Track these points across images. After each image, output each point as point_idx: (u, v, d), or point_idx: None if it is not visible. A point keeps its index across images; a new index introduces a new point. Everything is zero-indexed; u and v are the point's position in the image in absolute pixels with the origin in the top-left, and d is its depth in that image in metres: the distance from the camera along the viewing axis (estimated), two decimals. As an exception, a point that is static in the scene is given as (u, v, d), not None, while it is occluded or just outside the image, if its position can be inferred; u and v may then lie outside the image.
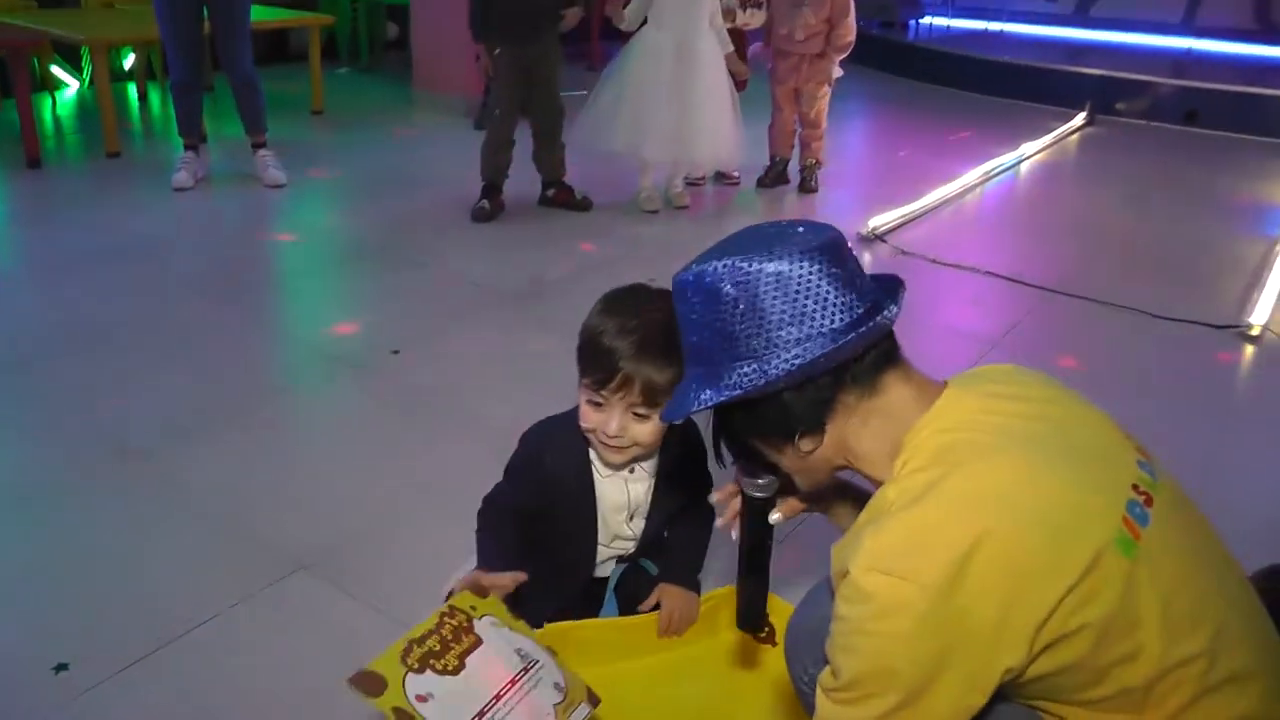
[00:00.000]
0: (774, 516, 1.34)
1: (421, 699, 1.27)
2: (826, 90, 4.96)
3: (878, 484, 1.16)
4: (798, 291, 1.09)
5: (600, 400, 1.55)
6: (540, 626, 1.56)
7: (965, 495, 1.04)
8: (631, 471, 1.69)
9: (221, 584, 2.07)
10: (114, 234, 4.06)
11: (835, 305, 1.10)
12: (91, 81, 6.09)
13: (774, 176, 5.21)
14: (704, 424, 1.26)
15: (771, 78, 5.05)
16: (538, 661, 1.40)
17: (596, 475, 1.68)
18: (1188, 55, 8.94)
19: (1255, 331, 3.53)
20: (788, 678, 1.43)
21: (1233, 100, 7.16)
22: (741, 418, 1.19)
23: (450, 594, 1.48)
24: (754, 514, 1.32)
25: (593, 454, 1.67)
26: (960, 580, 1.00)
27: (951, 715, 1.04)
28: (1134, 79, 7.54)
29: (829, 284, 1.10)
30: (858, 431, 1.16)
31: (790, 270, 1.09)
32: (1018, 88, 7.95)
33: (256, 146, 4.83)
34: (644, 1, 4.42)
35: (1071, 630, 1.02)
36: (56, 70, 6.33)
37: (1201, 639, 1.06)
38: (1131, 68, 7.78)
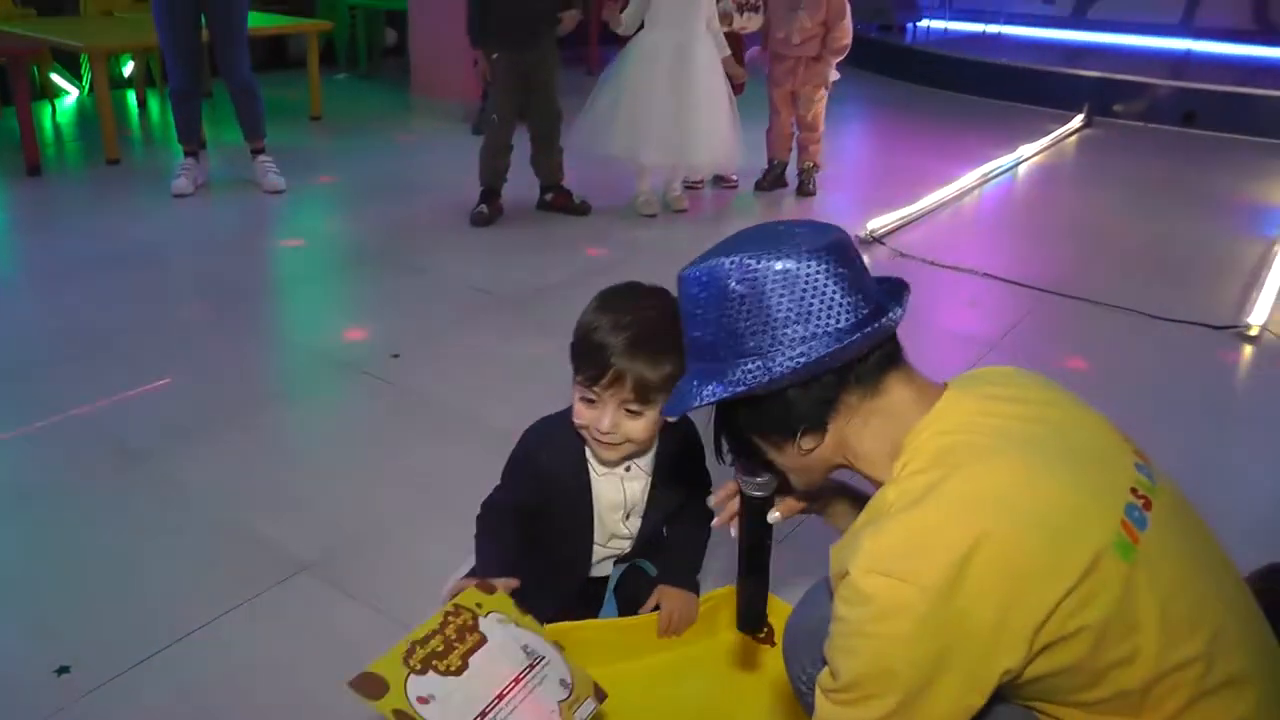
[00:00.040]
0: (772, 516, 1.34)
1: (423, 700, 1.27)
2: (823, 93, 4.97)
3: (877, 484, 1.17)
4: (804, 290, 1.09)
5: (593, 397, 1.56)
6: (539, 628, 1.56)
7: (964, 498, 1.05)
8: (628, 470, 1.69)
9: (223, 586, 2.08)
10: (114, 241, 4.07)
11: (841, 305, 1.10)
12: (91, 89, 6.11)
13: (772, 180, 5.22)
14: (704, 421, 1.26)
15: (769, 81, 5.06)
16: (543, 658, 1.40)
17: (593, 473, 1.69)
18: (1186, 57, 8.95)
19: (1254, 332, 3.53)
20: (785, 674, 1.43)
21: (1230, 101, 7.16)
22: (744, 414, 1.19)
23: (455, 595, 1.48)
24: (753, 514, 1.33)
25: (589, 452, 1.67)
26: (960, 582, 1.00)
27: (950, 716, 1.04)
28: (1132, 81, 7.55)
29: (835, 284, 1.10)
30: (859, 431, 1.16)
31: (797, 269, 1.09)
32: (1016, 90, 7.95)
33: (256, 152, 4.85)
34: (641, 6, 4.43)
35: (1069, 633, 1.03)
36: (56, 78, 6.35)
37: (1198, 643, 1.06)
38: (1129, 69, 7.78)
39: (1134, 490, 1.10)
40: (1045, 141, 6.49)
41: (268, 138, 4.87)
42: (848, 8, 4.79)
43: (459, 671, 1.32)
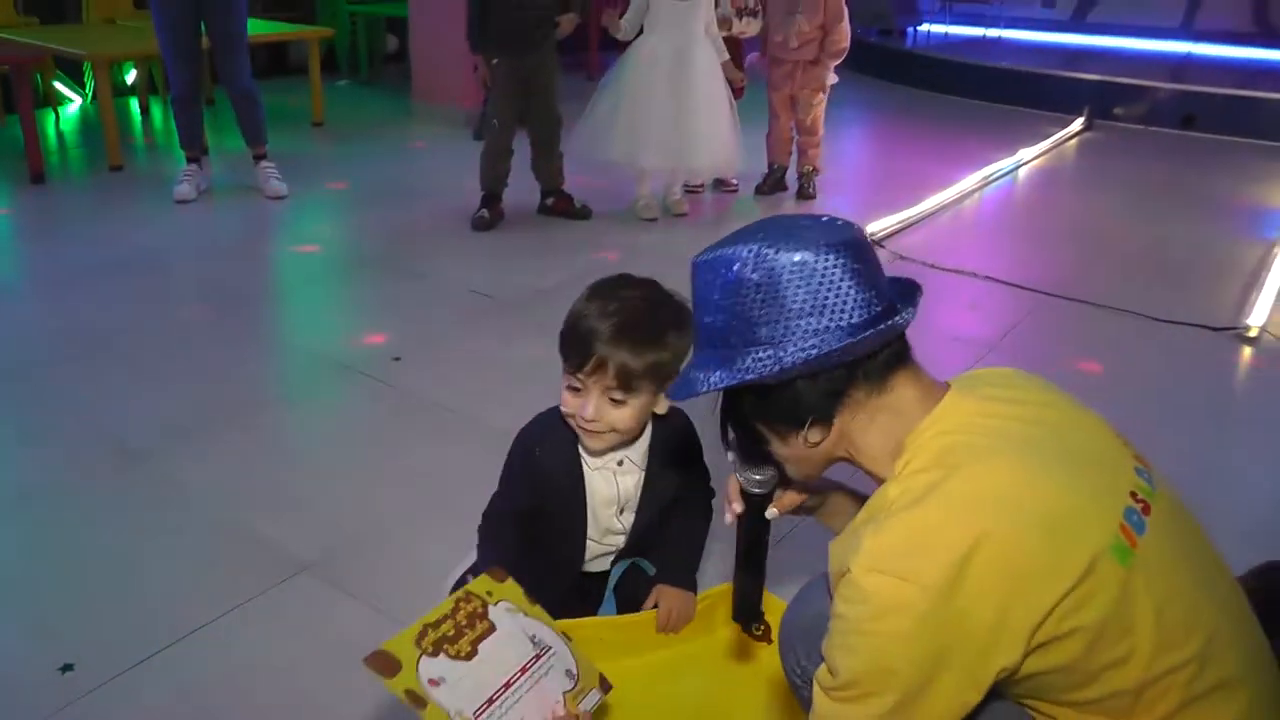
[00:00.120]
0: (770, 512, 1.35)
1: (434, 683, 1.29)
2: (822, 97, 4.98)
3: (878, 480, 1.17)
4: (820, 284, 1.10)
5: (578, 385, 1.57)
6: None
7: (965, 498, 1.05)
8: (620, 465, 1.70)
9: (223, 586, 2.09)
10: (117, 246, 4.09)
11: (855, 301, 1.11)
12: (94, 96, 6.13)
13: (772, 184, 5.23)
14: (710, 407, 1.25)
15: (768, 85, 5.07)
16: (550, 648, 1.42)
17: (586, 468, 1.70)
18: (1186, 59, 8.95)
19: (1253, 333, 3.53)
20: (782, 672, 1.44)
21: (1230, 104, 7.16)
22: (751, 402, 1.20)
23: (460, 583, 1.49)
24: (751, 510, 1.34)
25: (582, 448, 1.68)
26: (960, 581, 1.01)
27: (948, 712, 1.05)
28: (1132, 84, 7.55)
29: (850, 279, 1.11)
30: (864, 427, 1.17)
31: (814, 262, 1.10)
32: (1016, 93, 7.96)
33: (257, 158, 4.87)
34: (640, 11, 4.45)
35: (1064, 633, 1.03)
36: (59, 86, 6.38)
37: (1192, 647, 1.07)
38: (1129, 73, 7.79)
39: (1133, 494, 1.11)
40: (1045, 145, 6.49)
41: (270, 144, 4.90)
42: (845, 11, 4.80)
43: (469, 657, 1.34)
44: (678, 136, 4.51)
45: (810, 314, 1.10)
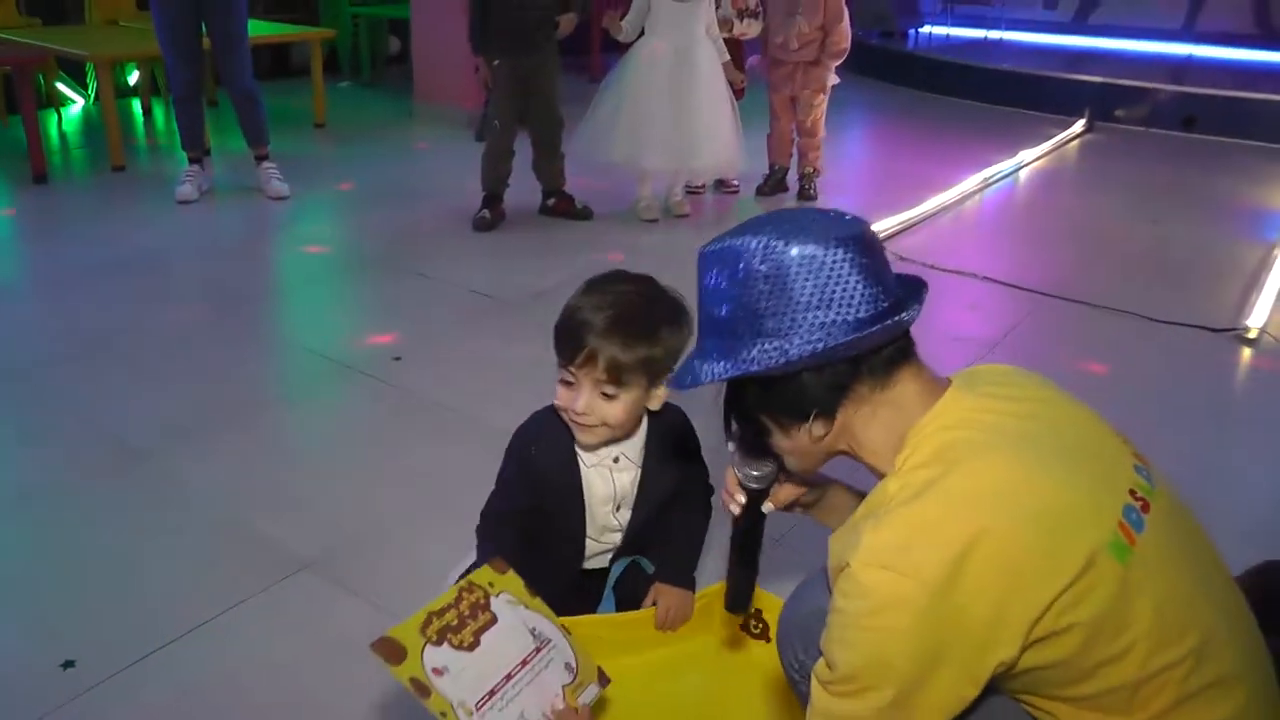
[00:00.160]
0: (765, 507, 1.36)
1: (438, 672, 1.30)
2: (823, 98, 4.98)
3: (878, 474, 1.18)
4: (828, 277, 1.10)
5: (570, 378, 1.58)
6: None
7: (964, 494, 1.06)
8: (616, 461, 1.71)
9: (224, 584, 2.10)
10: (119, 246, 4.10)
11: (862, 296, 1.11)
12: (96, 97, 6.14)
13: (773, 185, 5.23)
14: (713, 395, 1.25)
15: (769, 87, 5.08)
16: (550, 641, 1.43)
17: (582, 466, 1.70)
18: (1188, 61, 8.95)
19: (1253, 334, 3.53)
20: (782, 672, 1.45)
21: (1231, 105, 7.16)
22: (756, 394, 1.20)
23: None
24: (747, 504, 1.35)
25: (579, 446, 1.69)
26: (958, 577, 1.01)
27: (945, 707, 1.05)
28: (1133, 85, 7.55)
29: (857, 274, 1.11)
30: (866, 422, 1.17)
31: (823, 255, 1.10)
32: (1017, 95, 7.96)
33: (259, 159, 4.88)
34: (641, 13, 4.45)
35: (1061, 628, 1.04)
36: (61, 86, 6.39)
37: (1188, 644, 1.07)
38: (1130, 74, 7.79)
39: (1133, 492, 1.11)
40: (1046, 146, 6.50)
41: (272, 145, 4.90)
42: (845, 11, 4.81)
43: (471, 648, 1.35)
44: (679, 137, 4.52)
45: (817, 307, 1.10)
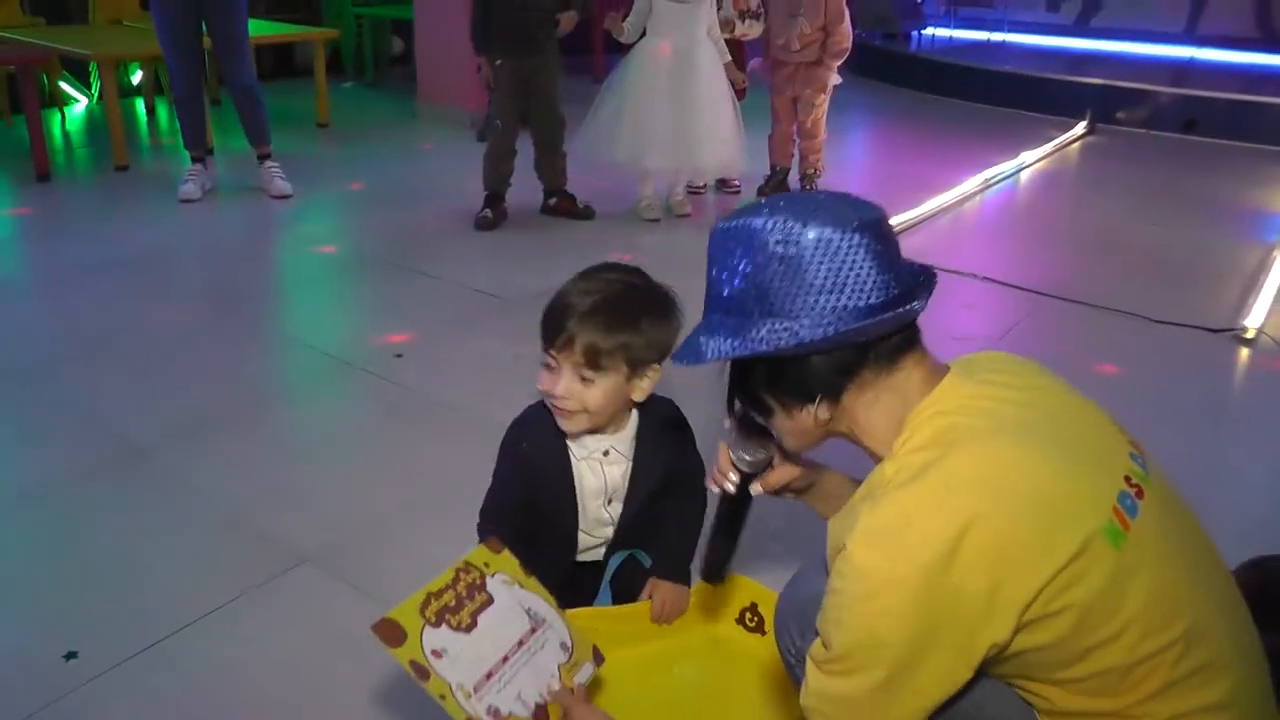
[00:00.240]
0: (753, 488, 1.39)
1: (436, 654, 1.31)
2: (824, 98, 4.98)
3: (875, 458, 1.19)
4: (842, 262, 1.10)
5: (551, 362, 1.59)
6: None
7: (960, 478, 1.07)
8: (606, 454, 1.72)
9: (225, 577, 2.12)
10: (122, 245, 4.12)
11: (874, 283, 1.11)
12: (99, 97, 6.17)
13: (774, 186, 5.23)
14: (718, 371, 1.25)
15: (770, 89, 5.09)
16: (545, 621, 1.45)
17: (573, 458, 1.72)
18: (1189, 64, 8.95)
19: (1250, 334, 3.54)
20: (777, 665, 1.46)
21: (1232, 108, 7.15)
22: (763, 373, 1.20)
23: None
24: (739, 484, 1.38)
25: (571, 441, 1.71)
26: (953, 559, 1.02)
27: (938, 688, 1.07)
28: (1134, 88, 7.55)
29: (872, 260, 1.11)
30: (869, 406, 1.18)
31: (839, 240, 1.10)
32: (1019, 97, 7.96)
33: (262, 158, 4.90)
34: (642, 14, 4.47)
35: (1054, 611, 1.05)
36: (65, 86, 6.41)
37: (1178, 629, 1.08)
38: (1132, 77, 7.79)
39: (1127, 478, 1.12)
40: (1047, 148, 6.50)
41: (275, 145, 4.92)
42: (846, 11, 4.81)
43: (469, 629, 1.36)
44: (681, 137, 4.53)
45: (830, 291, 1.11)
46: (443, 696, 1.29)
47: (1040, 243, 4.75)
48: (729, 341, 1.15)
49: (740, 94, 4.79)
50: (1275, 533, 2.40)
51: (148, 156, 5.70)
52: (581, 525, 1.76)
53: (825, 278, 1.10)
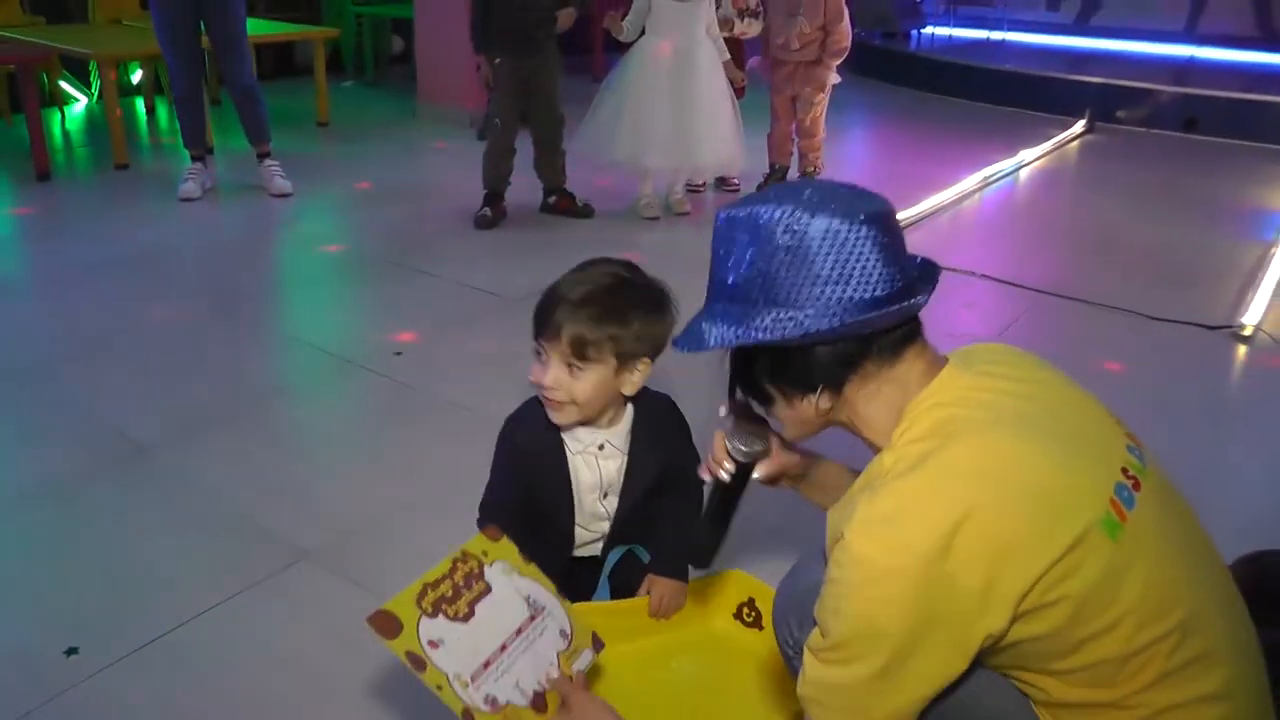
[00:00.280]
0: (755, 472, 1.39)
1: (433, 645, 1.31)
2: (823, 96, 4.99)
3: (874, 448, 1.20)
4: (849, 254, 1.11)
5: (541, 351, 1.61)
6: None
7: (958, 469, 1.07)
8: (601, 449, 1.73)
9: (226, 573, 2.12)
10: (122, 244, 4.13)
11: (879, 275, 1.12)
12: (99, 96, 6.17)
13: (774, 184, 5.24)
14: (718, 358, 1.25)
15: (770, 88, 5.10)
16: (544, 608, 1.44)
17: (569, 453, 1.72)
18: (1189, 63, 8.95)
19: (1248, 332, 3.55)
20: (774, 660, 1.46)
21: (1233, 107, 7.16)
22: (766, 363, 1.21)
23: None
24: (734, 473, 1.38)
25: (566, 436, 1.71)
26: (950, 549, 1.03)
27: (934, 678, 1.07)
28: (1134, 87, 7.55)
29: (877, 253, 1.11)
30: (870, 397, 1.19)
31: (846, 231, 1.10)
32: (1019, 96, 7.96)
33: (261, 157, 4.90)
34: (641, 12, 4.47)
35: (1050, 601, 1.05)
36: (65, 85, 6.42)
37: (1175, 619, 1.09)
38: (1132, 75, 7.79)
39: (1124, 470, 1.13)
40: (1047, 146, 6.50)
41: (275, 143, 4.93)
42: (845, 10, 4.82)
43: (466, 619, 1.36)
44: (680, 136, 4.53)
45: (835, 282, 1.11)
46: (440, 687, 1.29)
47: (1039, 241, 4.75)
48: (732, 329, 1.15)
49: (739, 92, 4.80)
50: (1272, 528, 2.41)
51: (148, 155, 5.70)
52: (578, 519, 1.77)
53: (831, 269, 1.11)
